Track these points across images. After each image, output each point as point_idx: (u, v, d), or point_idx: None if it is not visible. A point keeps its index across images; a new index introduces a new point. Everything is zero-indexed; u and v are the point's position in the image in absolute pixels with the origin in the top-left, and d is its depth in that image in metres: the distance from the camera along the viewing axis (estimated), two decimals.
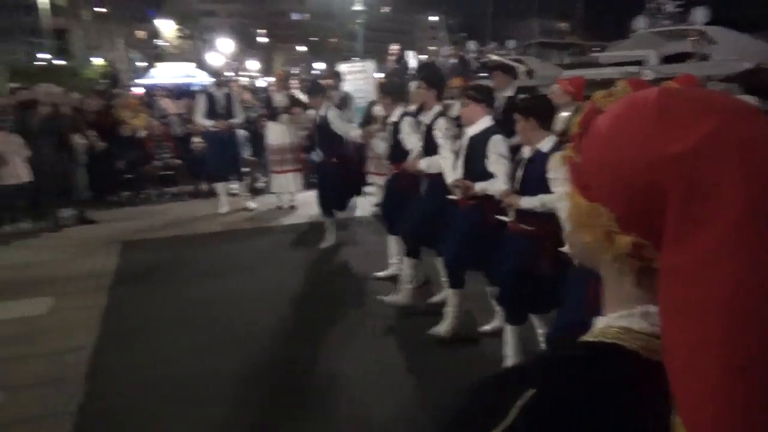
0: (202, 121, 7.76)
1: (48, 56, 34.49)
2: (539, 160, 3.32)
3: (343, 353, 4.00)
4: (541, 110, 3.37)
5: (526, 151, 3.45)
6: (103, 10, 36.27)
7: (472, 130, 3.87)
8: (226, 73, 8.94)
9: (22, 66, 27.59)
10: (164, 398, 3.44)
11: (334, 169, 6.00)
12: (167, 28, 46.14)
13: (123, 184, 8.85)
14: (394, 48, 10.06)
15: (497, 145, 3.72)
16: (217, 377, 3.66)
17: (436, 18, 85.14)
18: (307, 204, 7.61)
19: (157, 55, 43.69)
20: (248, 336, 4.25)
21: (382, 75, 9.20)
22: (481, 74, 10.50)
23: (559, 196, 3.11)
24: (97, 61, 39.25)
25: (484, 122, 3.85)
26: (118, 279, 5.50)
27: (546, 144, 3.32)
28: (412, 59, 10.76)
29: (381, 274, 5.36)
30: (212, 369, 3.76)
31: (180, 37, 48.19)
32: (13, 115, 7.33)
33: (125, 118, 8.88)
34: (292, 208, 8.14)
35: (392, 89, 5.18)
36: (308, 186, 7.91)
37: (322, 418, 3.24)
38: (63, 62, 35.26)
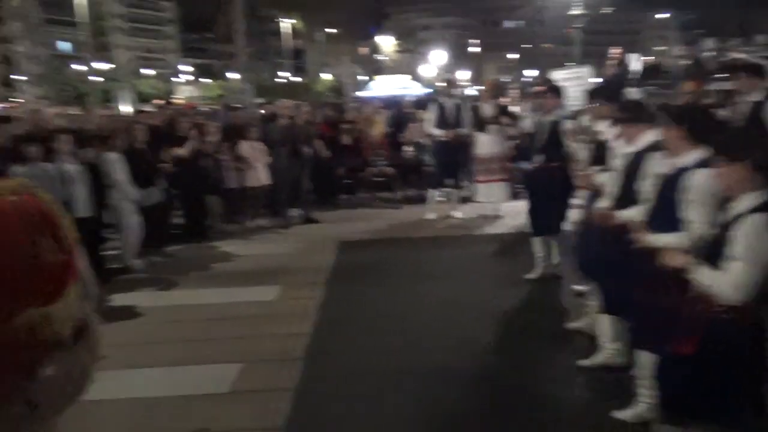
0: (433, 130, 8.06)
1: (287, 74, 39.55)
2: (678, 177, 2.79)
3: (543, 371, 3.86)
4: (694, 119, 2.88)
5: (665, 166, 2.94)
6: (334, 30, 40.39)
7: (630, 149, 3.49)
8: (441, 84, 9.24)
9: (266, 83, 31.96)
10: (369, 386, 3.67)
11: (552, 176, 5.41)
12: (387, 43, 49.49)
13: (342, 188, 9.69)
14: (615, 51, 9.40)
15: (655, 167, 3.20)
16: (415, 374, 3.79)
17: (666, 15, 77.43)
18: (513, 214, 7.48)
19: (377, 69, 47.14)
20: (448, 340, 4.32)
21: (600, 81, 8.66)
22: (720, 75, 9.28)
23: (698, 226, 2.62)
24: (326, 76, 43.71)
25: (646, 139, 3.40)
26: (334, 274, 6.02)
27: (689, 158, 2.77)
28: (635, 62, 9.94)
29: (574, 325, 4.39)
30: (411, 366, 3.91)
31: (398, 51, 51.30)
32: (258, 126, 8.50)
33: (365, 127, 9.74)
34: (497, 217, 8.08)
35: (603, 93, 4.80)
36: (515, 196, 7.78)
37: None
38: (299, 79, 40.08)
